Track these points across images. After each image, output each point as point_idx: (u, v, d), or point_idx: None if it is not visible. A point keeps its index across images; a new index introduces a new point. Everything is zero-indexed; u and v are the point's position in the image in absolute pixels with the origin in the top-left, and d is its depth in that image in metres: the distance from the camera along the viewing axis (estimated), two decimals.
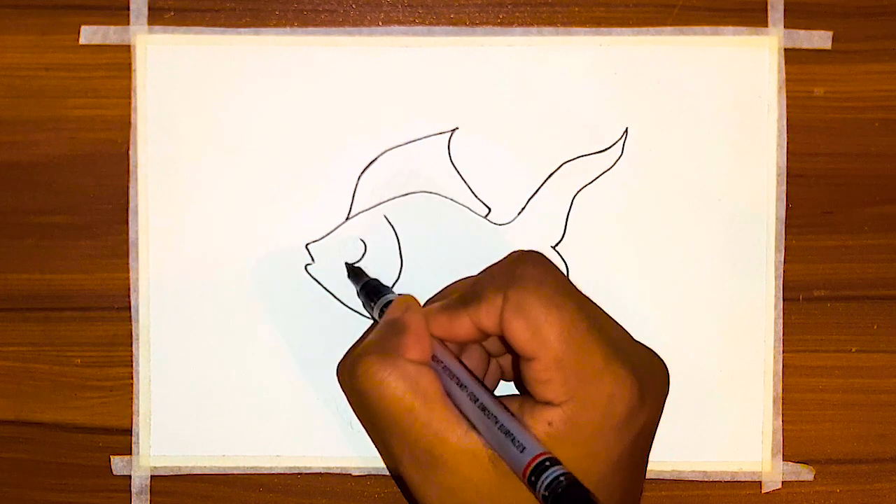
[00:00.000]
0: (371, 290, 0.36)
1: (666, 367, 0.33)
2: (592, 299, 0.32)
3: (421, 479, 0.31)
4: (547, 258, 0.32)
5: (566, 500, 0.27)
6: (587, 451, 0.30)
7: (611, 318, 0.33)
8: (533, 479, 0.28)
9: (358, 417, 0.38)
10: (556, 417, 0.30)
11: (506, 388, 0.37)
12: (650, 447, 0.32)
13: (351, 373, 0.32)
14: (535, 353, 0.30)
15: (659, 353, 0.33)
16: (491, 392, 0.31)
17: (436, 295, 0.37)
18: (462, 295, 0.32)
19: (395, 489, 0.39)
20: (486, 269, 0.33)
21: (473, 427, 0.30)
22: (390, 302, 0.35)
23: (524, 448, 0.29)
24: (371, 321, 0.38)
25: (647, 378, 0.31)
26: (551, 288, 0.30)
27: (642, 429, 0.31)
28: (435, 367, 0.32)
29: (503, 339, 0.31)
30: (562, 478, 0.28)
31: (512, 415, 0.30)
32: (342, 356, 0.38)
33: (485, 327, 0.31)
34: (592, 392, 0.30)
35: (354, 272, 0.38)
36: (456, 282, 0.37)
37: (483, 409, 0.30)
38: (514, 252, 0.33)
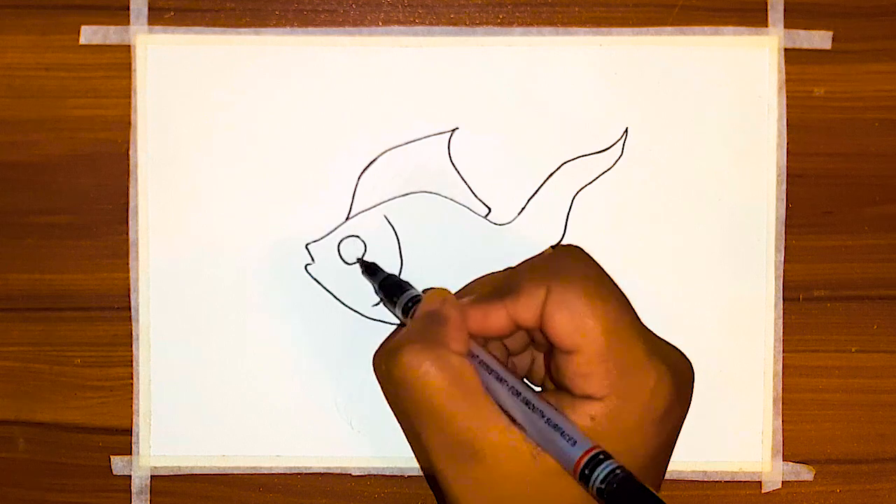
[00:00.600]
0: (392, 287, 0.36)
1: (692, 364, 0.33)
2: None
3: (456, 473, 0.31)
4: (587, 253, 0.32)
5: (623, 492, 0.27)
6: (627, 446, 0.30)
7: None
8: (586, 472, 0.28)
9: (392, 408, 0.38)
10: (598, 412, 0.30)
11: None
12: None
13: (390, 362, 0.31)
14: (578, 347, 0.30)
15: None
16: (530, 387, 0.31)
17: (461, 290, 0.37)
18: (497, 288, 0.32)
19: (396, 489, 0.39)
20: (523, 262, 0.33)
21: (514, 422, 0.30)
22: (415, 297, 0.35)
23: (575, 442, 0.29)
24: (392, 317, 0.38)
25: (681, 374, 0.31)
26: (594, 282, 0.31)
27: (676, 423, 0.31)
28: (472, 361, 0.31)
29: (530, 333, 0.31)
30: (618, 471, 0.28)
31: (556, 409, 0.30)
32: (378, 346, 0.38)
33: (522, 320, 0.31)
34: (634, 386, 0.30)
35: (369, 269, 0.37)
36: (481, 277, 0.37)
37: (527, 402, 0.30)
38: (555, 246, 0.33)
